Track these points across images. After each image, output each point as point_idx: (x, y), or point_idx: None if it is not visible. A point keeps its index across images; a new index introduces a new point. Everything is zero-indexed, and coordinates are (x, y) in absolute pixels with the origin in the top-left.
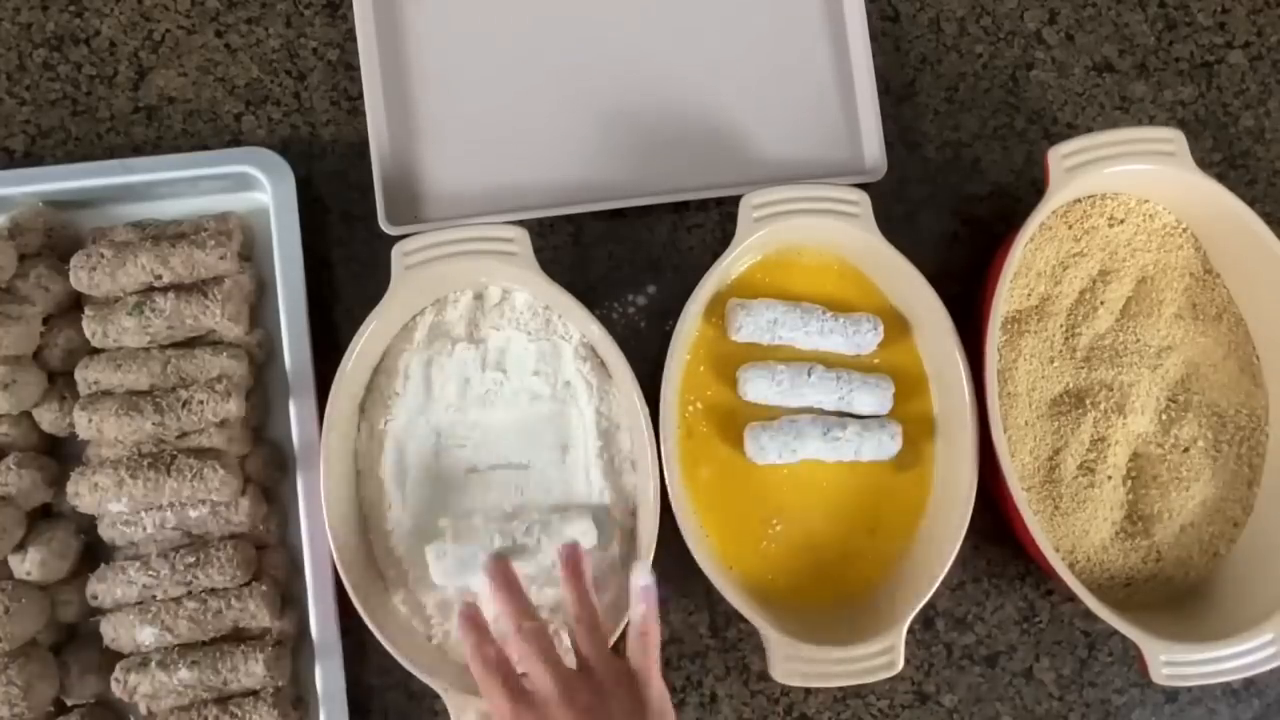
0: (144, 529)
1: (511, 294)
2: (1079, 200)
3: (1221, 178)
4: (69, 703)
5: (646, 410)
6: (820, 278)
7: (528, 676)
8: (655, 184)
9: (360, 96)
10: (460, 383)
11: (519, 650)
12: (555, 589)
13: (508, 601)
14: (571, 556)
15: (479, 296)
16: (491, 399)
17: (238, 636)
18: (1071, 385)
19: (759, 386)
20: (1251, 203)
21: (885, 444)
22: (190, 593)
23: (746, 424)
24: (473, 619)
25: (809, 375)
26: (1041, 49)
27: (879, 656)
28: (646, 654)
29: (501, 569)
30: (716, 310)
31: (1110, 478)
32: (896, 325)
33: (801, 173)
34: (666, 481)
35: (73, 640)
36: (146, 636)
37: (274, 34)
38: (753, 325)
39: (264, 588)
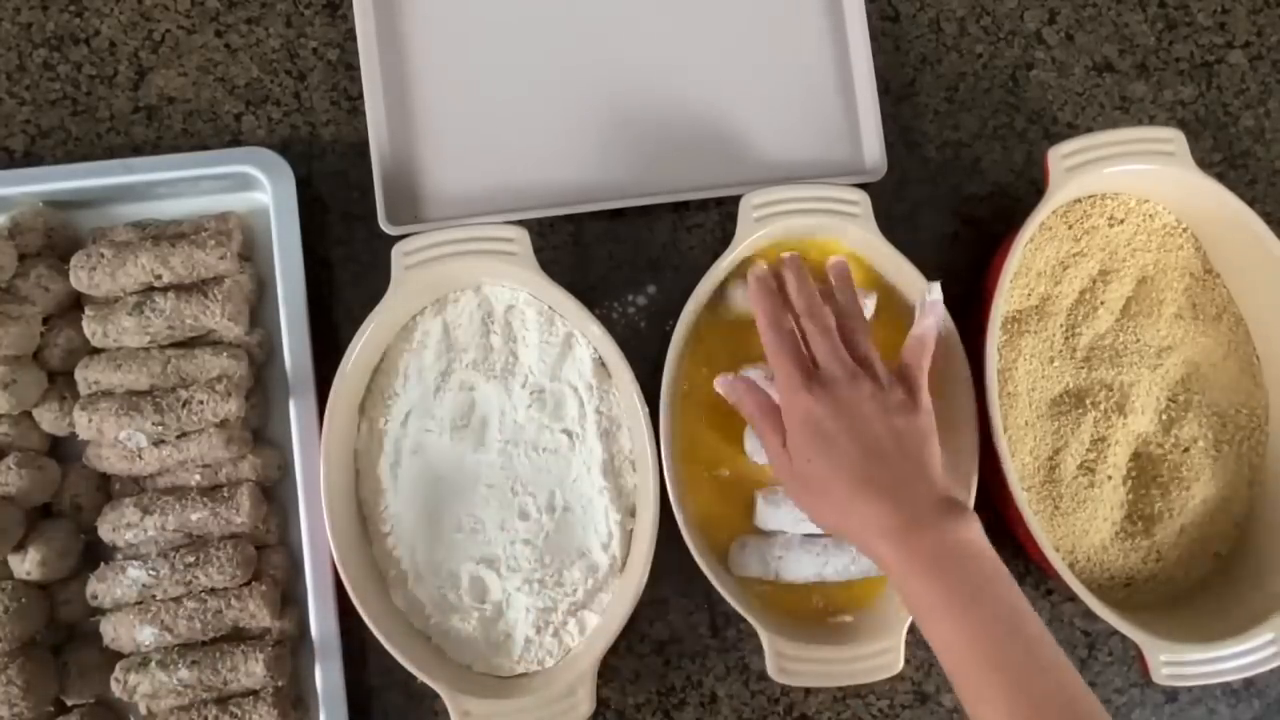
0: (145, 530)
1: (516, 298)
2: (1079, 200)
3: (1221, 178)
4: (69, 703)
5: (646, 410)
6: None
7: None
8: (655, 184)
9: (360, 96)
10: (461, 383)
11: (810, 327)
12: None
13: (799, 284)
14: (841, 265)
15: (484, 302)
16: (492, 399)
17: (238, 636)
18: (1071, 385)
19: None
20: (1251, 203)
21: None
22: (190, 592)
23: (747, 425)
24: (766, 284)
25: None
26: (1041, 49)
27: (879, 656)
28: (921, 358)
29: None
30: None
31: (1110, 478)
32: (896, 325)
33: (801, 173)
34: (666, 481)
35: (73, 640)
36: (146, 636)
37: (274, 34)
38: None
39: (264, 588)
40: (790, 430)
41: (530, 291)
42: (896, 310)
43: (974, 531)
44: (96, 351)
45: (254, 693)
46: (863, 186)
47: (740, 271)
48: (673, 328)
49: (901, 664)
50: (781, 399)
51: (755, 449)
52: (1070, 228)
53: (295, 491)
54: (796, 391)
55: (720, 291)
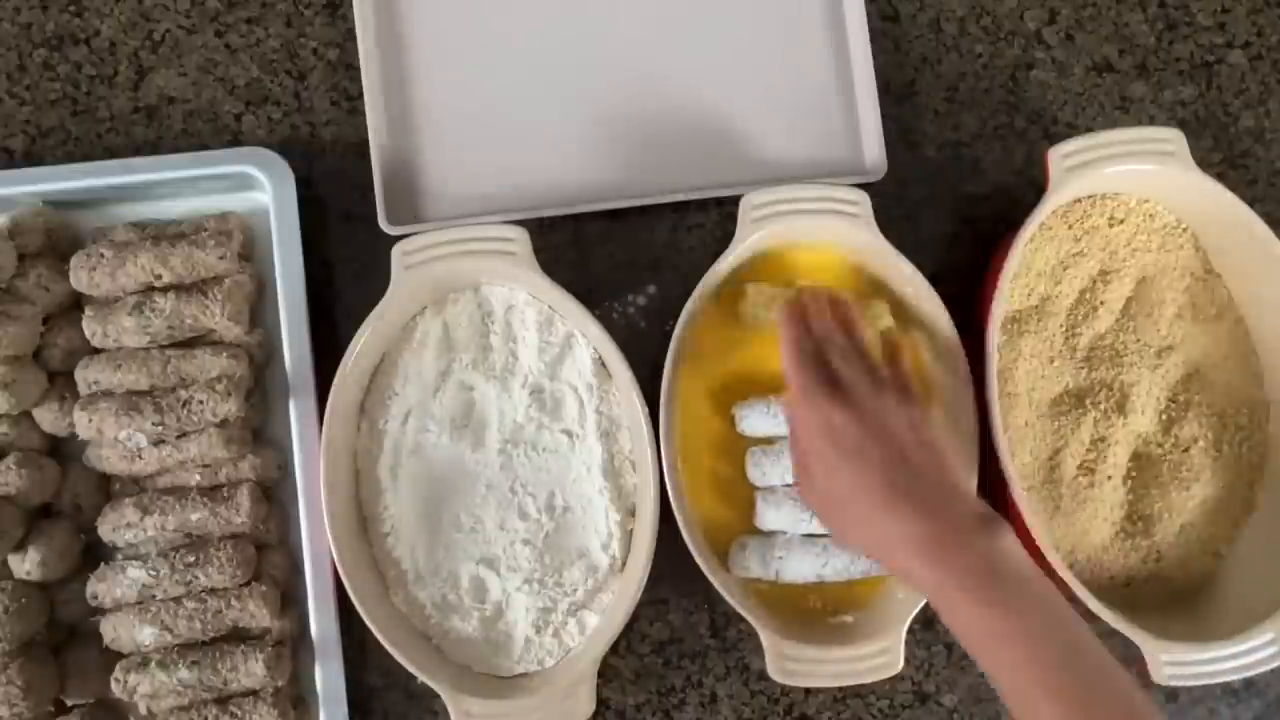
0: (145, 530)
1: (516, 298)
2: (1079, 200)
3: (1221, 178)
4: (69, 703)
5: (646, 410)
6: (820, 278)
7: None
8: (655, 184)
9: (360, 96)
10: (461, 383)
11: (835, 343)
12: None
13: (821, 308)
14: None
15: (483, 302)
16: (491, 399)
17: (238, 636)
18: (1071, 385)
19: (755, 422)
20: (1251, 203)
21: None
22: (190, 592)
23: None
24: (794, 310)
25: None
26: (1041, 49)
27: (879, 656)
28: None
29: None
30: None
31: (1110, 478)
32: (897, 326)
33: (801, 173)
34: (666, 481)
35: (73, 640)
36: (146, 636)
37: (274, 34)
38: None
39: (264, 588)
40: (809, 441)
41: (530, 291)
42: (895, 312)
43: (1014, 544)
44: (96, 351)
45: (254, 693)
46: (863, 186)
47: (745, 278)
48: (673, 328)
49: (901, 664)
50: (798, 412)
51: (758, 474)
52: (1070, 228)
53: (295, 491)
54: (815, 400)
55: (729, 298)
